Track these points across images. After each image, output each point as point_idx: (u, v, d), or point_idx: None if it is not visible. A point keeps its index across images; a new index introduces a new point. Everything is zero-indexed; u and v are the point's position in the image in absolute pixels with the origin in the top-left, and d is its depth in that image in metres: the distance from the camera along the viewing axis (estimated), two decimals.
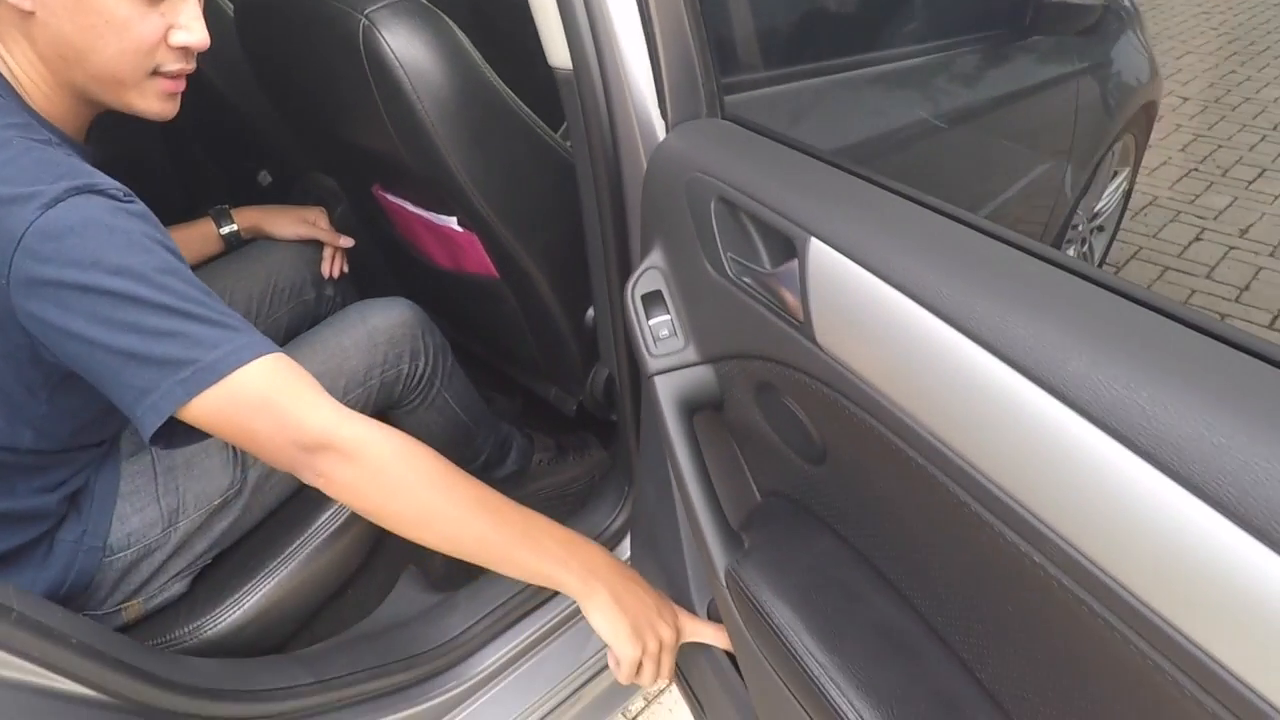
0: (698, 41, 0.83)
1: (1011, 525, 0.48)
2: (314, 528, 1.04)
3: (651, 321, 0.83)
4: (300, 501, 1.07)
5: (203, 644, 0.96)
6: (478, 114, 1.03)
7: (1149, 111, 1.97)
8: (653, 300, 0.84)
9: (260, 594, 0.99)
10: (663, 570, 0.98)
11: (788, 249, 0.65)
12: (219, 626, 0.96)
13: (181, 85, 0.83)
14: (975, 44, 1.43)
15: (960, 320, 0.50)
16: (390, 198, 1.28)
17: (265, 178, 1.52)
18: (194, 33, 0.79)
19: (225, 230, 1.24)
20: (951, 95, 1.39)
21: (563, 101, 0.97)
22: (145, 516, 0.93)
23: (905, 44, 1.32)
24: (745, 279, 0.71)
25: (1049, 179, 1.59)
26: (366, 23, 0.94)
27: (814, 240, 0.62)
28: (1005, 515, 0.48)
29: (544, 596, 1.14)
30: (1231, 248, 2.47)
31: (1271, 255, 2.43)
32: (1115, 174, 2.01)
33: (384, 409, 1.15)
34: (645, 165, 0.92)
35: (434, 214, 1.22)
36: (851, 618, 0.69)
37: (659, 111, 0.90)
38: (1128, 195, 2.17)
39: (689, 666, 1.00)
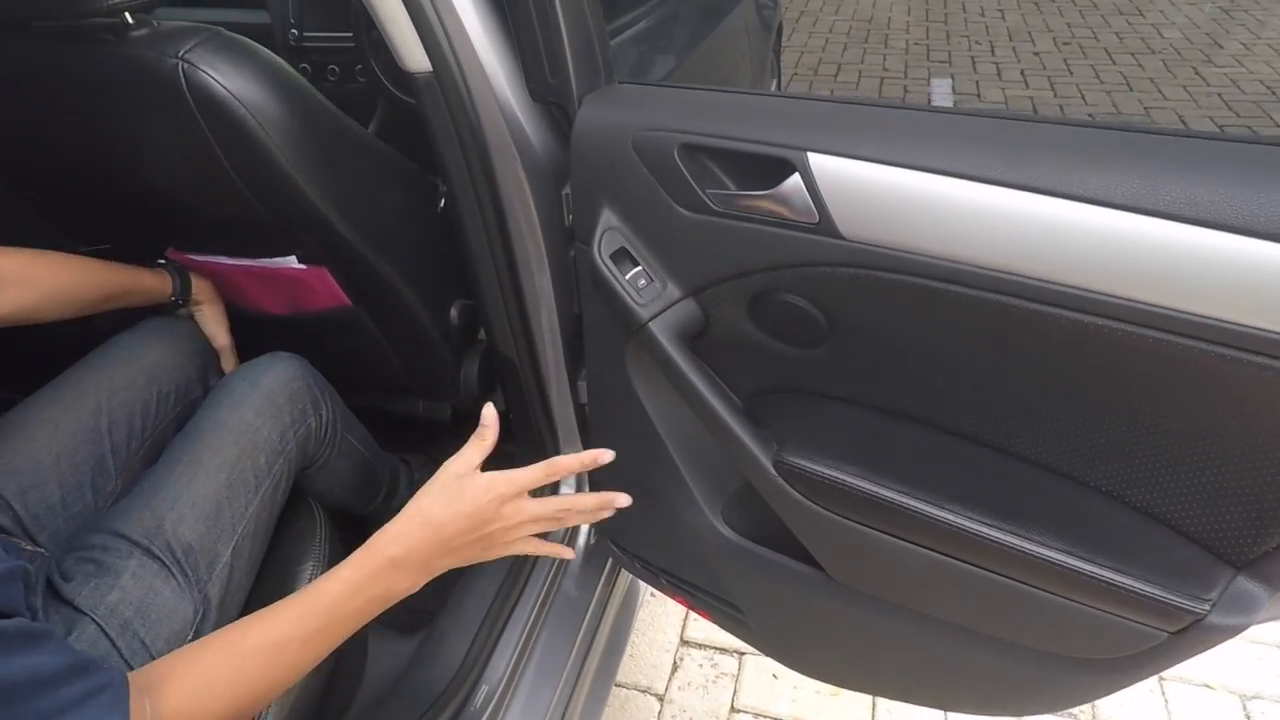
0: (595, 16, 0.88)
1: (1034, 298, 0.66)
2: None
3: (626, 276, 0.89)
4: (258, 600, 0.95)
5: None
6: (324, 137, 0.98)
7: (780, 30, 2.35)
8: (620, 257, 0.89)
9: (270, 713, 0.88)
10: (660, 502, 1.04)
11: (778, 170, 0.76)
12: None
13: None
14: None
15: (947, 168, 0.68)
16: (197, 258, 1.13)
17: None
18: None
19: (177, 298, 1.08)
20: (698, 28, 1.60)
21: (423, 103, 0.96)
22: None
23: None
24: (733, 209, 0.81)
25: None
26: (186, 64, 0.84)
27: (811, 154, 0.74)
28: (1034, 294, 0.66)
29: (520, 583, 1.15)
30: None
31: None
32: (774, 79, 2.38)
33: (300, 470, 1.04)
34: (517, 148, 0.96)
35: (263, 260, 1.11)
36: (901, 453, 0.84)
37: (517, 96, 0.94)
38: None
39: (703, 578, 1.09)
